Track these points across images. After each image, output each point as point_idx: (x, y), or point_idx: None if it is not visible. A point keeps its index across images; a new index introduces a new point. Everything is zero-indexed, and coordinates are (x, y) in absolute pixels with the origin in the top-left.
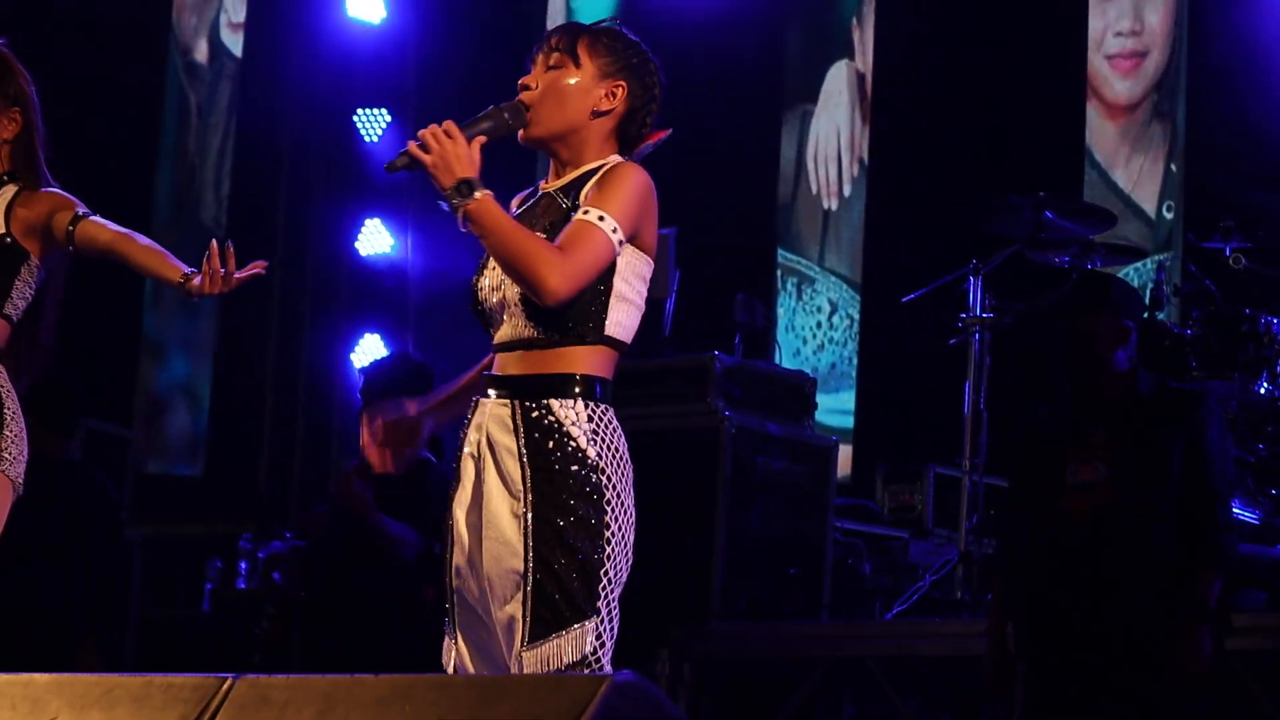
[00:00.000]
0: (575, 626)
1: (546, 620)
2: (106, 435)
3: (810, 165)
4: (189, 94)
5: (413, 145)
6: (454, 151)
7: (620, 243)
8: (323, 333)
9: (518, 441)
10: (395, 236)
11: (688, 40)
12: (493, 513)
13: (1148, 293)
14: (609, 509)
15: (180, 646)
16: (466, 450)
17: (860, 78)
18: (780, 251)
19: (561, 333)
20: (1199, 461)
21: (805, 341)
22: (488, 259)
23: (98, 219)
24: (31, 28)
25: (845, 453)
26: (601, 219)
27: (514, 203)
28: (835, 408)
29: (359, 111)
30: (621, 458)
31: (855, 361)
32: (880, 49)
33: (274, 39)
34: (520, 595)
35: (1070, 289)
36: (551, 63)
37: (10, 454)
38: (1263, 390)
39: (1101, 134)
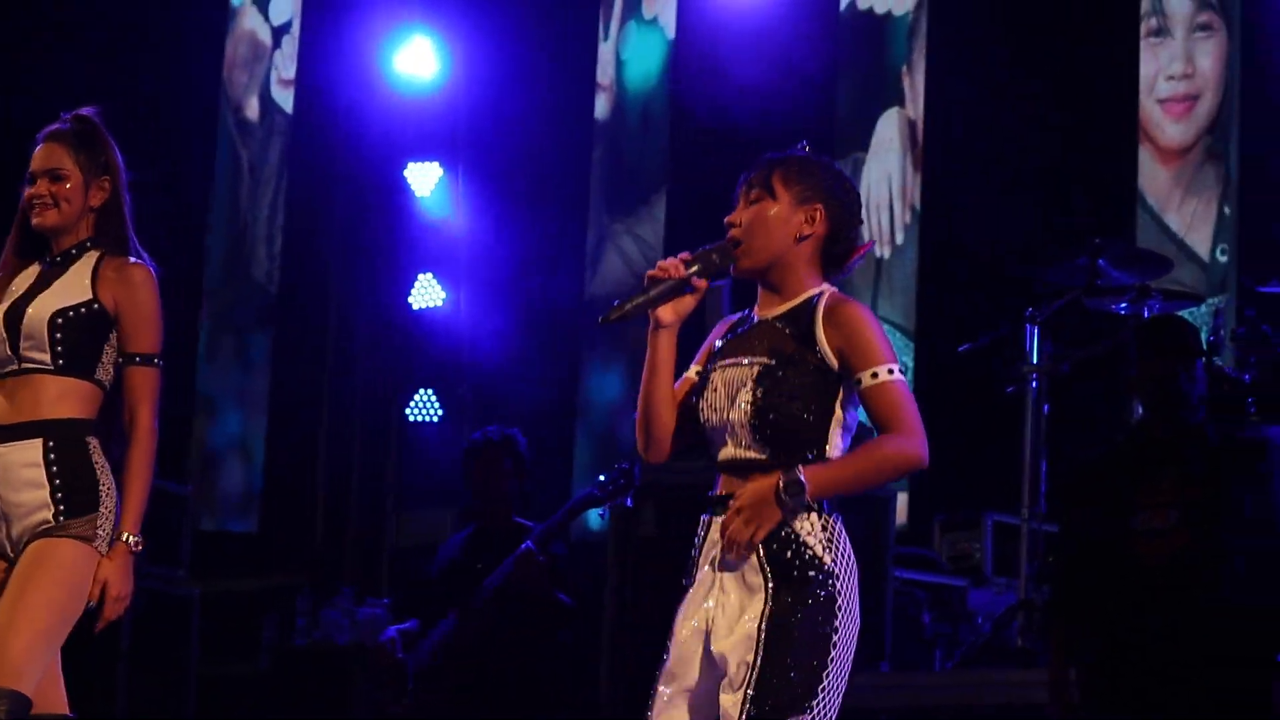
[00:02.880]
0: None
1: (765, 710)
2: (162, 492)
3: (862, 213)
4: (240, 151)
5: (734, 526)
6: (758, 497)
7: (902, 370)
8: (376, 387)
9: (758, 553)
10: (447, 291)
11: (738, 90)
12: (732, 616)
13: (1204, 337)
14: (839, 615)
15: (238, 703)
16: (705, 565)
17: (911, 125)
18: None
19: (790, 456)
20: (1268, 510)
21: None
22: (708, 379)
23: (143, 375)
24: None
25: (901, 500)
26: (890, 371)
27: (722, 328)
28: None
29: (410, 165)
30: (851, 566)
31: None
32: (931, 96)
33: (324, 95)
34: (743, 685)
35: (1147, 332)
36: (752, 198)
37: (104, 531)
38: None
39: (1154, 178)
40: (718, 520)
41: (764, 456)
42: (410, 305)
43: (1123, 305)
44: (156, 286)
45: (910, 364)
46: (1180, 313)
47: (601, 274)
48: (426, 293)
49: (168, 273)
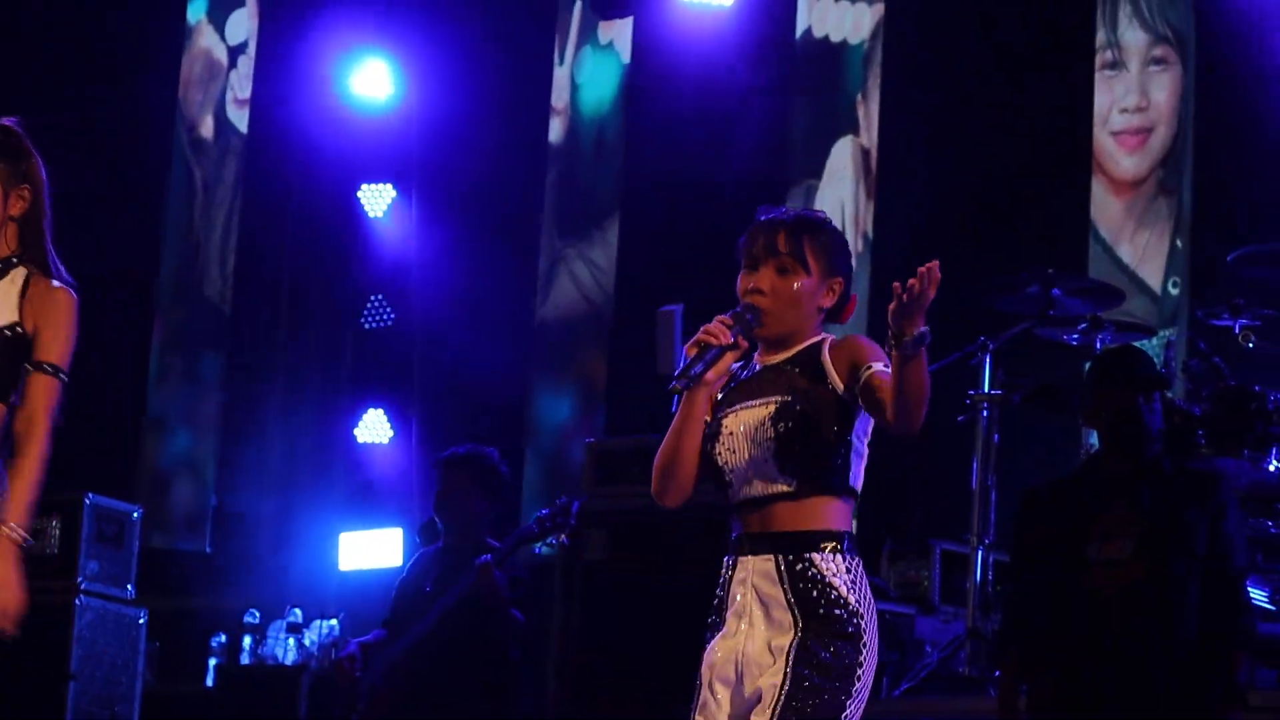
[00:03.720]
0: None
1: None
2: (111, 511)
3: None
4: (194, 170)
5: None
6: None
7: None
8: (326, 408)
9: (784, 592)
10: (399, 311)
11: (693, 117)
12: (758, 651)
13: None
14: (864, 650)
15: None
16: (733, 606)
17: (865, 153)
18: None
19: (814, 486)
20: (1222, 543)
21: None
22: (719, 425)
23: (49, 384)
24: (39, 103)
25: None
26: (887, 366)
27: (717, 376)
28: None
29: (363, 186)
30: (873, 607)
31: None
32: (885, 124)
33: (279, 115)
34: (771, 706)
35: (1105, 364)
36: (783, 267)
37: None
38: (1272, 468)
39: (1106, 209)
40: (744, 560)
41: (790, 488)
42: (362, 326)
43: (1075, 336)
44: (77, 310)
45: None
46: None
47: (553, 298)
48: (378, 313)
49: (120, 289)
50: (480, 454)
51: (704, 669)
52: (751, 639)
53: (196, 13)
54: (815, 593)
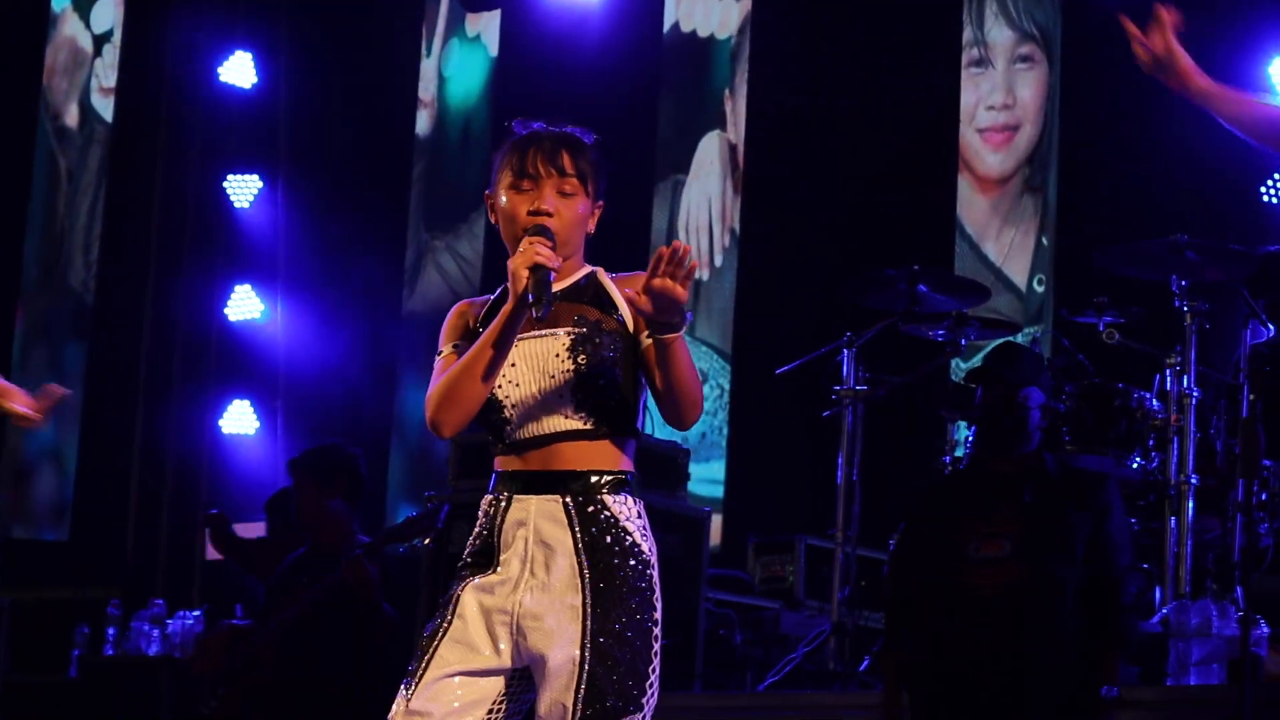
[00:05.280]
0: (624, 718)
1: (598, 710)
2: None
3: (681, 235)
4: (59, 159)
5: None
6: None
7: None
8: (191, 399)
9: (574, 536)
10: (265, 303)
11: (561, 109)
12: (546, 606)
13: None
14: (657, 605)
15: (46, 713)
16: (509, 548)
17: (732, 148)
18: None
19: (609, 425)
20: (1103, 543)
21: None
22: None
23: None
24: None
25: (716, 522)
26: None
27: (469, 310)
28: (705, 477)
29: (229, 177)
30: (656, 553)
31: (726, 431)
32: (753, 120)
33: (145, 104)
34: (573, 684)
35: (987, 360)
36: (567, 190)
37: None
38: (1135, 465)
39: (973, 207)
40: (523, 500)
41: (585, 425)
42: (227, 316)
43: (940, 332)
44: None
45: (727, 386)
46: (996, 341)
47: (421, 290)
48: (244, 304)
49: None
50: (323, 452)
51: (468, 602)
52: (533, 589)
53: (61, 1)
54: (609, 539)
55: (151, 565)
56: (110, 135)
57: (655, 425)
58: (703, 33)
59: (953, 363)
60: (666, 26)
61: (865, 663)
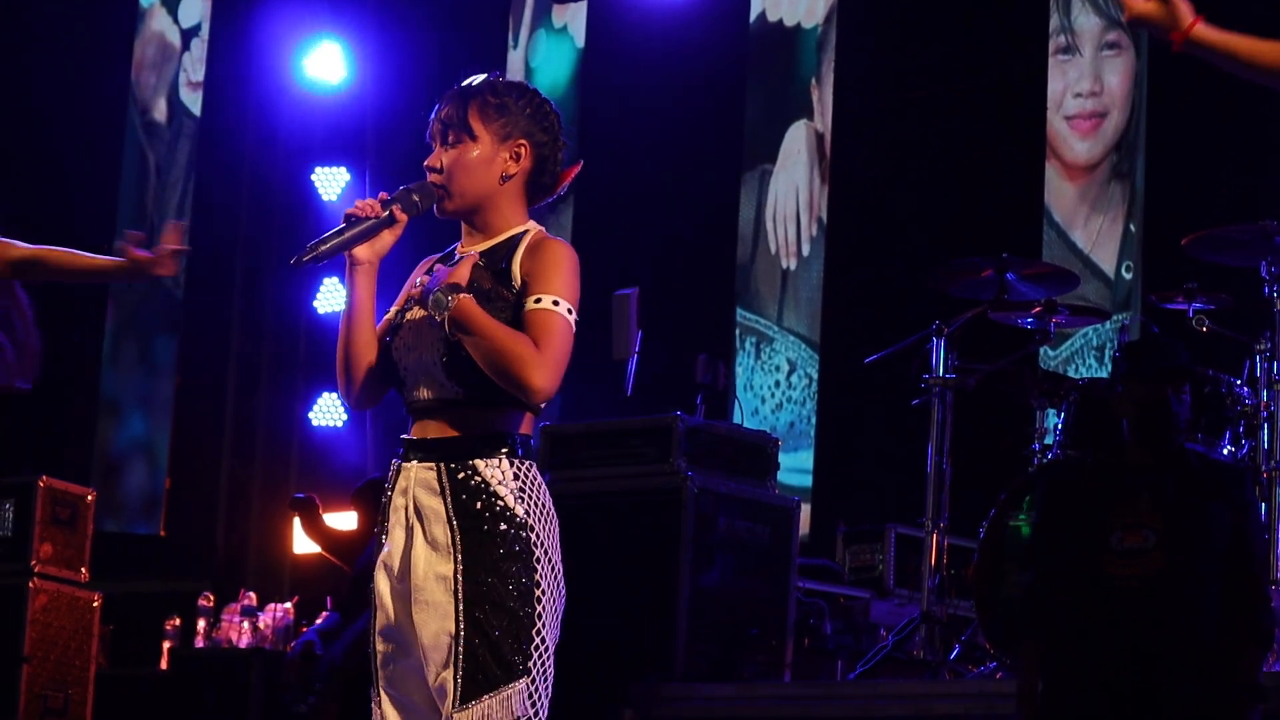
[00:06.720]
0: (506, 687)
1: (478, 681)
2: (65, 494)
3: (769, 225)
4: (148, 153)
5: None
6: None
7: (575, 321)
8: (280, 391)
9: (445, 504)
10: None
11: (647, 101)
12: (421, 577)
13: (1108, 354)
14: (539, 567)
15: (138, 705)
16: (394, 516)
17: (819, 137)
18: (739, 311)
19: (485, 393)
20: (1245, 538)
21: (764, 400)
22: (400, 316)
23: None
24: None
25: (805, 511)
26: (556, 303)
27: (424, 266)
28: (793, 466)
29: (317, 170)
30: (549, 515)
31: (814, 421)
32: (840, 109)
33: (233, 98)
34: (450, 660)
35: (1135, 355)
36: (450, 140)
37: None
38: (1225, 452)
39: (1060, 194)
40: (407, 468)
41: (460, 396)
42: (316, 309)
43: (1029, 320)
44: None
45: (815, 375)
46: (1085, 329)
47: None
48: (334, 296)
49: None
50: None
51: (381, 590)
52: (414, 561)
53: None
54: (479, 504)
55: (242, 558)
56: (198, 129)
57: (744, 416)
58: (789, 22)
59: (1041, 350)
60: (753, 16)
61: (955, 651)
